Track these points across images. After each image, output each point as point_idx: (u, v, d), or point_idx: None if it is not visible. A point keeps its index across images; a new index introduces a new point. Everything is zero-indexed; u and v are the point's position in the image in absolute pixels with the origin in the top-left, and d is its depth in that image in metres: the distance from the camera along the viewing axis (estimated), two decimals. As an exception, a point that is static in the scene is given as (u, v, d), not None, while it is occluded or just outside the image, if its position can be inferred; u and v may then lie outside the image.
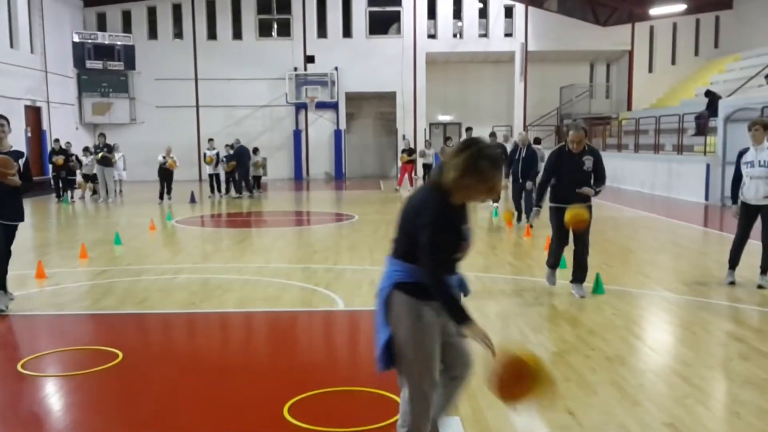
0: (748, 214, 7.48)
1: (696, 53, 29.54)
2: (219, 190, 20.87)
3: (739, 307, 6.78)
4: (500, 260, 9.63)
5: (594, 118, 29.03)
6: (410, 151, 22.12)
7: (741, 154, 7.54)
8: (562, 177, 7.02)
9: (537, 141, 15.77)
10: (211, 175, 20.95)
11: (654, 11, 26.84)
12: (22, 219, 6.92)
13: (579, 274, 7.18)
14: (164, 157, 19.22)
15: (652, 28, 29.49)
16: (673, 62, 29.80)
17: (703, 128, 18.75)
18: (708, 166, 16.92)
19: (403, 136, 26.04)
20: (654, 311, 6.82)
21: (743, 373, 4.89)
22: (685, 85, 27.33)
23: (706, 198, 16.85)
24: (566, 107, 30.64)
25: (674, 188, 18.49)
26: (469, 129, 19.68)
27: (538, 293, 7.48)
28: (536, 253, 10.11)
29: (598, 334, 5.84)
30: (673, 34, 29.63)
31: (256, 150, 22.35)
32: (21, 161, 6.65)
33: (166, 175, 19.08)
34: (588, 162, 6.94)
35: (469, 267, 9.02)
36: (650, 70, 29.93)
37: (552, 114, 30.88)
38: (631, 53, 29.71)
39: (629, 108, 29.33)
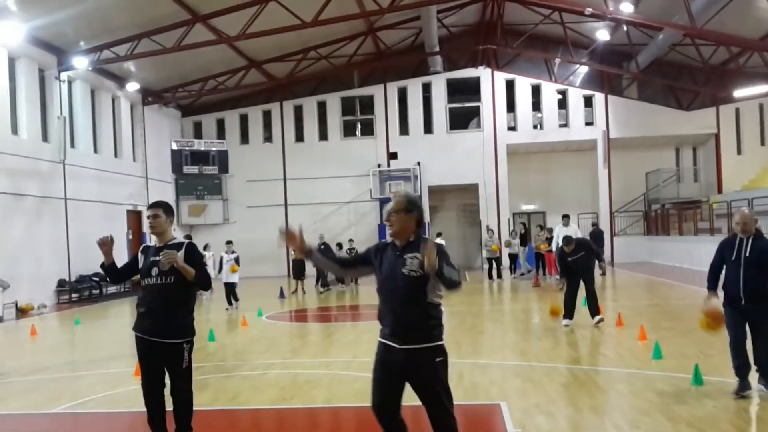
0: None
1: (786, 133, 28.67)
2: (235, 299, 16.86)
3: None
4: (592, 351, 9.36)
5: (683, 202, 28.30)
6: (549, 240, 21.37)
7: None
8: None
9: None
10: (227, 284, 16.80)
11: (738, 93, 26.39)
12: (186, 335, 5.33)
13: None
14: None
15: (737, 110, 28.87)
16: (763, 143, 28.93)
17: (801, 209, 17.92)
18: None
19: (487, 227, 26.05)
20: (759, 403, 6.42)
21: None
22: (778, 165, 26.43)
23: (812, 282, 15.91)
24: (653, 192, 30.04)
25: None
26: (565, 216, 19.42)
27: (633, 385, 7.21)
28: (629, 342, 9.78)
29: (698, 428, 5.56)
30: (761, 115, 28.90)
31: (339, 245, 22.88)
32: (181, 252, 5.29)
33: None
34: None
35: (559, 359, 8.83)
36: (739, 152, 29.11)
37: (639, 200, 30.30)
38: (717, 136, 29.07)
39: (719, 191, 28.44)
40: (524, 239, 24.98)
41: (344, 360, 9.41)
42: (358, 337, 11.94)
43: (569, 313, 11.61)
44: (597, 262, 12.31)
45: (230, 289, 16.78)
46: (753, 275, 6.39)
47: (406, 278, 4.18)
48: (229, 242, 17.61)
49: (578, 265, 11.60)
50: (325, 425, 6.61)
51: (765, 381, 6.54)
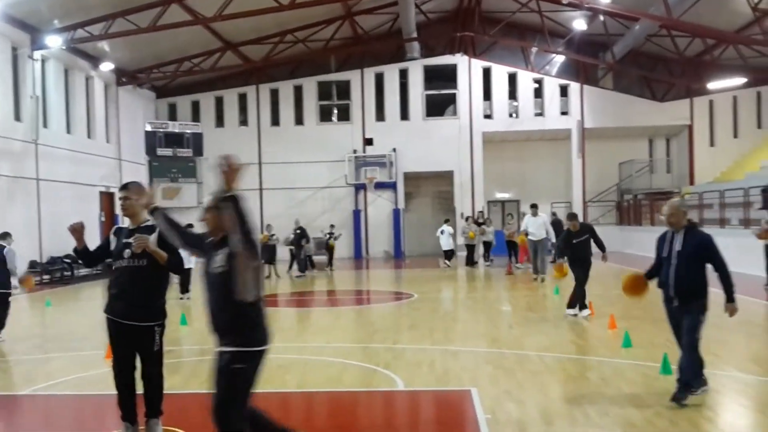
0: None
1: (759, 125, 29.04)
2: (186, 290, 15.22)
3: (817, 388, 6.47)
4: (562, 339, 9.47)
5: (655, 193, 28.64)
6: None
7: None
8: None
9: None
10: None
11: (713, 85, 26.68)
12: (158, 318, 5.34)
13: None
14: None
15: (711, 102, 29.24)
16: (735, 135, 29.32)
17: (770, 202, 18.20)
18: (778, 240, 16.35)
19: (462, 214, 26.17)
20: (726, 393, 6.55)
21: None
22: (749, 158, 26.80)
23: (778, 273, 16.20)
24: (626, 183, 30.36)
25: (743, 263, 17.83)
26: (534, 206, 19.59)
27: (603, 373, 7.32)
28: (599, 331, 9.91)
29: (666, 417, 5.66)
30: (734, 108, 29.28)
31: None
32: (154, 235, 5.22)
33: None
34: None
35: (530, 346, 8.93)
36: (712, 143, 29.50)
37: (612, 190, 30.62)
38: (690, 127, 29.42)
39: (691, 182, 28.83)
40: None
41: (317, 345, 9.42)
42: (331, 322, 11.95)
43: (575, 301, 11.35)
44: (601, 252, 11.95)
45: (186, 277, 14.92)
46: (684, 271, 5.91)
47: (214, 276, 4.14)
48: (189, 225, 16.13)
49: (580, 248, 11.30)
50: (297, 410, 6.62)
51: (682, 391, 5.92)
